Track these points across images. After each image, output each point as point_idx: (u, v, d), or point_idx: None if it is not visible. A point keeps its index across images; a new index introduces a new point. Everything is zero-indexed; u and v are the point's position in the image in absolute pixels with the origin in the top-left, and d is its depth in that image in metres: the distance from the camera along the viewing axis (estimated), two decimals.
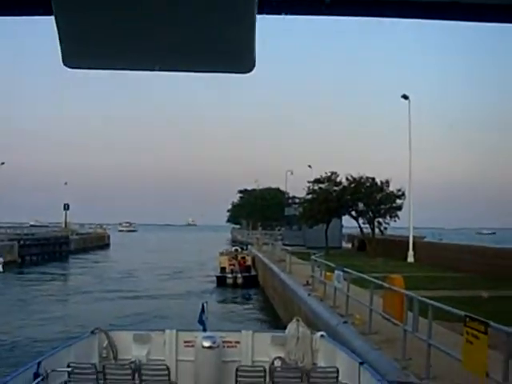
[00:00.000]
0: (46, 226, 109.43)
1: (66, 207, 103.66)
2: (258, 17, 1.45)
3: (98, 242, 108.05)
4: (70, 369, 10.63)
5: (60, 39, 1.47)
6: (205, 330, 13.40)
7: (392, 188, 51.63)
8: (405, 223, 49.12)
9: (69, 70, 1.53)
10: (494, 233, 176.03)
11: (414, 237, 45.24)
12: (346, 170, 55.64)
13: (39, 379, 9.71)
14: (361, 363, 10.15)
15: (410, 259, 42.79)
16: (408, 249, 43.74)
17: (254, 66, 1.58)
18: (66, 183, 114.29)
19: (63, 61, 1.50)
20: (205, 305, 13.87)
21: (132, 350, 12.91)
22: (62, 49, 1.49)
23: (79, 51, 1.51)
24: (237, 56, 1.55)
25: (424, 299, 11.25)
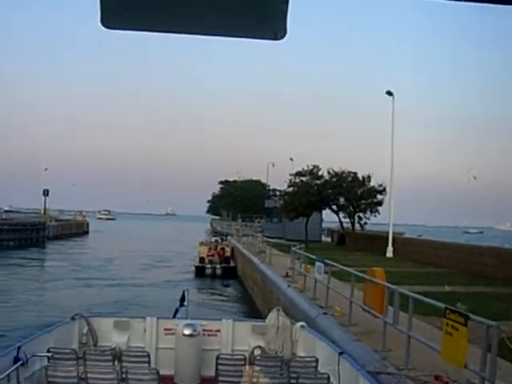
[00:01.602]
0: (20, 212, 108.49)
1: (46, 193, 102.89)
2: None
3: (77, 229, 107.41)
4: (49, 354, 10.62)
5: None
6: (175, 315, 13.49)
7: (373, 183, 51.92)
8: (385, 219, 49.38)
9: (105, 30, 1.53)
10: (481, 232, 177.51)
11: (393, 232, 45.39)
12: (328, 164, 55.91)
13: (19, 364, 9.69)
14: (340, 353, 10.23)
15: (389, 254, 43.02)
16: (387, 244, 43.95)
17: (285, 33, 1.59)
18: (46, 169, 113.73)
19: (101, 21, 1.51)
20: (186, 292, 13.91)
21: (112, 336, 12.91)
22: (101, 8, 1.49)
23: (118, 11, 1.52)
24: (268, 21, 1.56)
25: (405, 291, 11.35)
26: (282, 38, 1.62)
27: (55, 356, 10.66)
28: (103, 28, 1.53)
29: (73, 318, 12.89)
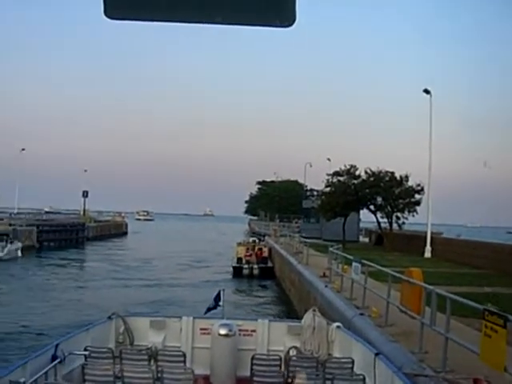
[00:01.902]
0: (59, 213, 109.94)
1: (85, 194, 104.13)
2: None
3: (116, 230, 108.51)
4: (87, 352, 10.75)
5: None
6: (208, 312, 13.50)
7: (411, 183, 51.39)
8: (423, 219, 48.80)
9: (109, 21, 1.50)
10: None
11: (431, 232, 44.85)
12: (366, 163, 55.48)
13: (57, 361, 9.82)
14: (376, 354, 10.12)
15: (428, 254, 42.51)
16: (425, 244, 43.45)
17: (294, 19, 1.54)
18: (85, 170, 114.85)
19: (105, 11, 1.48)
20: (222, 292, 13.90)
21: (148, 336, 12.99)
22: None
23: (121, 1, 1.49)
24: (277, 6, 1.50)
25: (442, 292, 11.15)
26: (290, 25, 1.57)
27: (92, 354, 10.78)
28: (106, 19, 1.50)
29: (110, 318, 13.01)
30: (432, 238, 44.48)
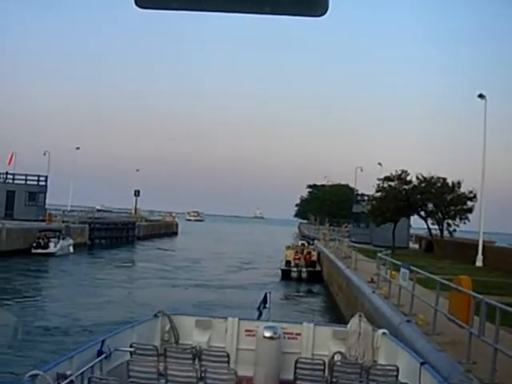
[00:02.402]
0: (111, 211, 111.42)
1: (137, 194, 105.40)
2: None
3: (167, 230, 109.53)
4: (132, 349, 10.86)
5: None
6: (259, 318, 13.47)
7: (463, 189, 50.60)
8: (475, 227, 47.97)
9: (140, 10, 1.49)
10: None
11: (483, 241, 43.98)
12: (417, 169, 54.83)
13: (103, 356, 9.97)
14: (422, 363, 9.96)
15: (479, 263, 41.65)
16: (477, 252, 42.60)
17: (327, 9, 1.50)
18: (137, 170, 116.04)
19: (136, 1, 1.46)
20: (268, 295, 13.88)
21: (193, 335, 13.04)
22: None
23: None
24: None
25: (492, 301, 10.92)
26: (322, 14, 1.52)
27: (137, 351, 10.89)
28: (138, 8, 1.48)
29: (156, 316, 13.12)
30: (484, 246, 43.59)
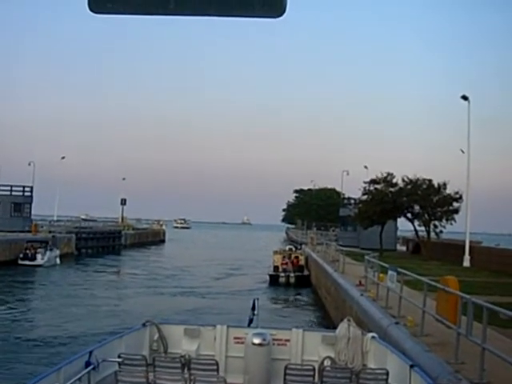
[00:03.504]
0: (95, 221, 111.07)
1: (123, 202, 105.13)
2: None
3: (154, 238, 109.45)
4: (120, 359, 10.77)
5: None
6: (250, 325, 13.41)
7: (449, 190, 50.78)
8: (461, 228, 48.16)
9: (95, 16, 1.47)
10: None
11: (470, 241, 44.17)
12: (403, 171, 55.05)
13: (90, 368, 9.87)
14: (411, 366, 9.96)
15: (466, 264, 41.84)
16: (464, 253, 42.79)
17: (285, 9, 1.49)
18: (124, 179, 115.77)
19: (89, 5, 1.45)
20: (256, 301, 13.84)
21: (182, 343, 12.97)
22: None
23: None
24: None
25: (479, 301, 10.94)
26: (280, 15, 1.51)
27: (125, 362, 10.80)
28: (91, 13, 1.47)
29: (144, 325, 13.03)
30: (471, 246, 43.83)
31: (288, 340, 13.05)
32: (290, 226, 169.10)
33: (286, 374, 10.98)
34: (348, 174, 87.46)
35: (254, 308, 13.87)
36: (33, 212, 73.61)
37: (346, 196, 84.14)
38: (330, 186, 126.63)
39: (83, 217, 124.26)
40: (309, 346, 13.03)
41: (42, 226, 71.70)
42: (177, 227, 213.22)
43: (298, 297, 42.00)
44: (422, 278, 16.02)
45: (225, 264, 64.72)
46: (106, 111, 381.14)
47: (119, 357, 10.88)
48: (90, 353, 10.16)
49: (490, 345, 10.15)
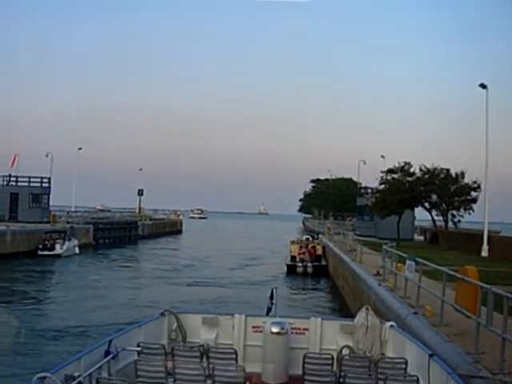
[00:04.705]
0: (110, 211, 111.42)
1: (140, 193, 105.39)
2: None
3: (171, 228, 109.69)
4: (139, 348, 10.84)
5: None
6: (268, 314, 13.41)
7: (467, 180, 50.43)
8: (479, 217, 47.83)
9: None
10: None
11: (488, 231, 43.85)
12: (421, 160, 54.67)
13: (110, 357, 9.94)
14: (430, 355, 9.91)
15: (484, 253, 41.57)
16: (482, 243, 42.52)
17: None
18: (140, 169, 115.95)
19: None
20: (274, 290, 13.84)
21: (201, 333, 13.01)
22: None
23: None
24: None
25: (499, 291, 10.86)
26: None
27: (144, 351, 10.87)
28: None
29: (162, 314, 13.09)
30: (489, 236, 43.51)
31: (306, 329, 13.06)
32: (306, 215, 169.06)
33: (304, 363, 10.99)
34: (365, 163, 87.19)
35: (272, 297, 13.86)
36: (50, 203, 74.09)
37: (363, 185, 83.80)
38: (346, 176, 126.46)
39: (99, 207, 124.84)
40: (327, 334, 13.03)
41: (60, 217, 72.16)
42: (193, 217, 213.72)
43: (316, 286, 41.98)
44: (441, 268, 15.94)
45: (242, 254, 64.80)
46: (121, 101, 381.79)
47: (138, 346, 10.95)
48: (110, 342, 10.23)
49: (510, 335, 10.09)
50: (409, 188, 51.95)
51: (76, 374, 8.49)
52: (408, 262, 18.30)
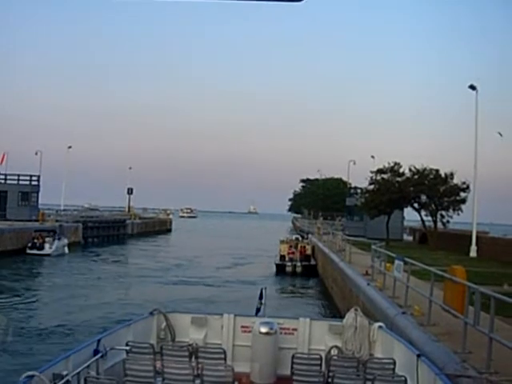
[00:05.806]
0: (98, 210, 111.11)
1: (130, 191, 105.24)
2: None
3: (160, 227, 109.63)
4: (128, 347, 10.85)
5: None
6: (257, 314, 13.42)
7: (456, 180, 50.65)
8: (468, 218, 48.01)
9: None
10: None
11: (477, 231, 44.06)
12: (410, 160, 54.86)
13: (99, 356, 9.94)
14: (418, 355, 9.96)
15: (473, 254, 41.78)
16: (471, 243, 42.72)
17: None
18: (130, 168, 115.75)
19: None
20: (263, 290, 13.86)
21: (189, 332, 13.02)
22: None
23: None
24: None
25: (487, 291, 10.91)
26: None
27: (133, 350, 10.87)
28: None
29: (151, 314, 13.08)
30: (478, 236, 43.74)
31: (295, 329, 13.08)
32: (296, 215, 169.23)
33: (292, 363, 11.02)
34: (355, 163, 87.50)
35: (261, 297, 13.87)
36: (40, 201, 73.83)
37: (353, 186, 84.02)
38: (336, 176, 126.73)
39: (87, 205, 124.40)
40: (316, 335, 13.06)
41: (49, 215, 71.87)
42: (183, 216, 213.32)
43: (305, 286, 42.02)
44: (429, 268, 15.99)
45: (231, 253, 64.77)
46: (111, 101, 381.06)
47: (127, 345, 10.95)
48: (99, 341, 10.23)
49: (497, 335, 10.14)
50: (398, 188, 52.15)
51: (64, 373, 8.48)
52: (397, 261, 18.37)
